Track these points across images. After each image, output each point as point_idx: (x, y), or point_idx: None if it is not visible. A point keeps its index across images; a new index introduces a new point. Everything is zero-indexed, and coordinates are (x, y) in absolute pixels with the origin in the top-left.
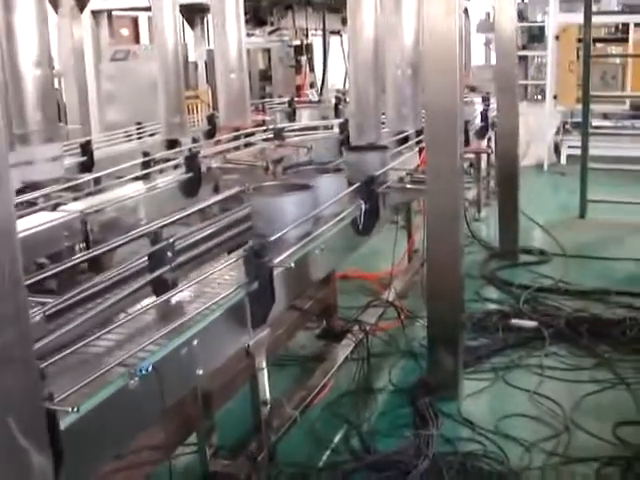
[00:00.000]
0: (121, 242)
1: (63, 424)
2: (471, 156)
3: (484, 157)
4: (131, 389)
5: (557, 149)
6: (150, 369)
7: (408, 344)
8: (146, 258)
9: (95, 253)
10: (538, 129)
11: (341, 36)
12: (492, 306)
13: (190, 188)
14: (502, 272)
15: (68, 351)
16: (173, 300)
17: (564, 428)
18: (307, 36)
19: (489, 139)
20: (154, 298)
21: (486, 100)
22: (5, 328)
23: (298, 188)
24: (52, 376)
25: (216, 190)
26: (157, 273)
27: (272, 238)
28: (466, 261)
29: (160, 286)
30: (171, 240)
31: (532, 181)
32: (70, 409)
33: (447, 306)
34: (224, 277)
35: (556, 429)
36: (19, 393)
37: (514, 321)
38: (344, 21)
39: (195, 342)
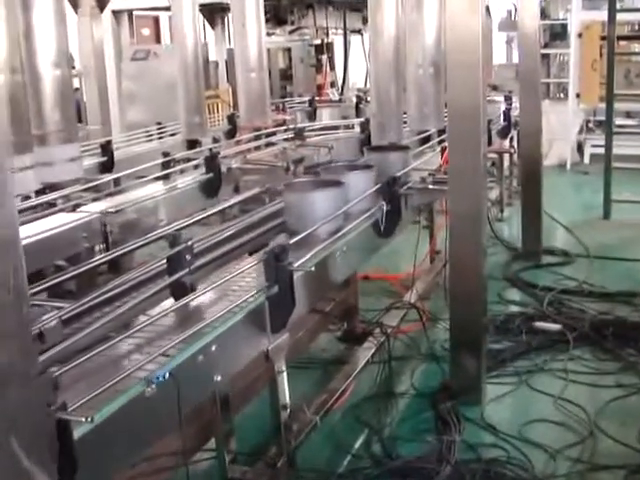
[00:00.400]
0: (140, 244)
1: (77, 433)
2: (494, 156)
3: (507, 156)
4: (147, 397)
5: (580, 148)
6: (167, 376)
7: (430, 347)
8: (165, 261)
9: (113, 256)
10: (561, 128)
11: (362, 35)
12: (515, 308)
13: (210, 189)
14: (525, 273)
15: (83, 358)
16: (191, 304)
17: (589, 434)
18: (328, 35)
19: (512, 138)
20: (172, 301)
21: (508, 99)
22: (6, 342)
23: (324, 185)
24: (67, 384)
25: (236, 191)
26: (175, 277)
27: (292, 240)
28: (489, 262)
29: (178, 290)
30: (189, 243)
31: (555, 181)
32: (84, 419)
33: (469, 308)
34: (244, 280)
35: (581, 435)
36: (21, 409)
37: (537, 324)
38: (365, 20)
39: (213, 348)
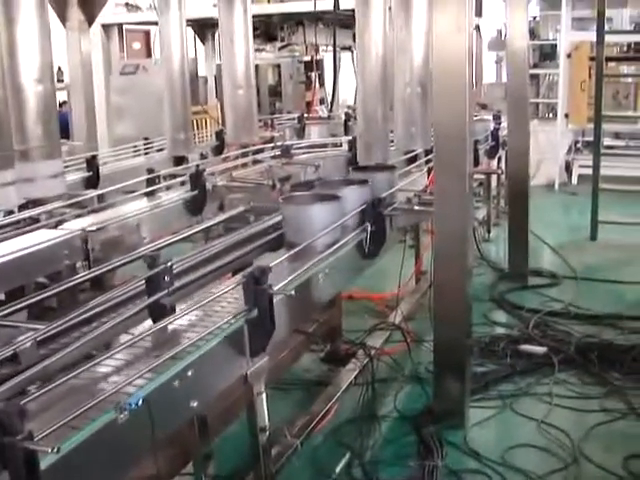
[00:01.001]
0: (121, 263)
1: (44, 464)
2: (481, 176)
3: (494, 177)
4: (120, 424)
5: (568, 168)
6: (141, 402)
7: (414, 369)
8: (144, 281)
9: (94, 274)
10: (549, 148)
11: (352, 52)
12: (500, 330)
13: (195, 206)
14: (511, 295)
15: (51, 385)
16: (169, 327)
17: (573, 460)
18: (317, 52)
19: (499, 158)
20: (150, 324)
21: (497, 118)
22: None
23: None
24: (36, 410)
25: (221, 209)
26: (153, 298)
27: (273, 263)
28: (474, 283)
29: (157, 311)
30: (169, 264)
31: (543, 201)
32: (50, 450)
33: (454, 330)
34: (224, 303)
35: (565, 461)
36: None
37: (523, 346)
38: (355, 37)
39: (190, 373)
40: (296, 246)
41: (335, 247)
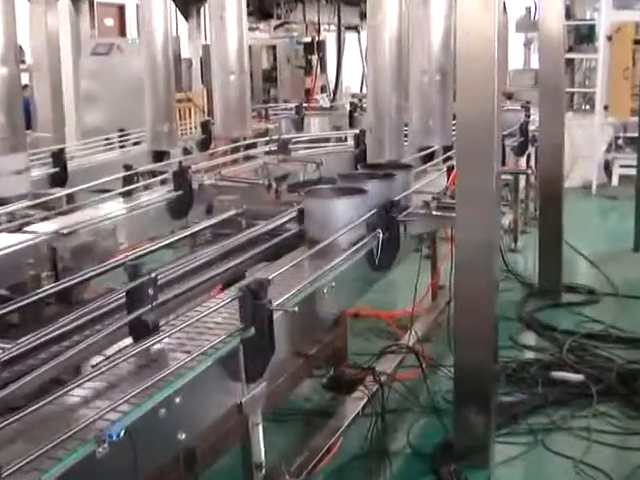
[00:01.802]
0: (95, 273)
1: None
2: (508, 177)
3: (523, 177)
4: (99, 458)
5: (608, 168)
6: (122, 434)
7: (430, 398)
8: (123, 294)
9: (63, 286)
10: (586, 145)
11: (359, 32)
12: (530, 355)
13: (179, 209)
14: (542, 314)
15: (21, 414)
16: (153, 347)
17: None
18: (319, 32)
19: (529, 156)
20: (131, 343)
21: (525, 110)
22: None
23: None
24: (3, 443)
25: (209, 212)
26: (135, 314)
27: (272, 275)
28: (500, 300)
29: (139, 329)
30: (153, 275)
31: (578, 206)
32: None
33: (477, 354)
34: (215, 320)
35: None
36: None
37: (556, 374)
38: (363, 15)
39: (178, 400)
40: (318, 243)
41: (342, 257)
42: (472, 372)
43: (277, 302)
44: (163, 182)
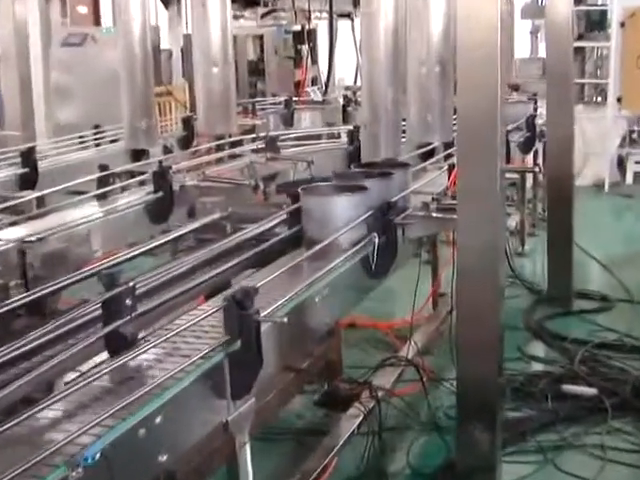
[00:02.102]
0: (67, 282)
1: None
2: (514, 175)
3: (529, 176)
4: None
5: (621, 165)
6: (98, 457)
7: (431, 415)
8: (99, 305)
9: (33, 296)
10: (597, 140)
11: (352, 20)
12: (539, 367)
13: (159, 212)
14: (552, 322)
15: None
16: (132, 362)
17: None
18: (309, 20)
19: (536, 153)
20: (108, 358)
21: (533, 103)
22: None
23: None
24: None
25: (191, 215)
26: (112, 327)
27: (260, 283)
28: (506, 307)
29: (116, 342)
30: (131, 284)
31: (590, 205)
32: None
33: (482, 366)
34: (198, 332)
35: None
36: None
37: (567, 387)
38: (356, 2)
39: (158, 420)
40: (318, 243)
41: (335, 262)
42: (476, 386)
43: (265, 312)
44: (142, 183)
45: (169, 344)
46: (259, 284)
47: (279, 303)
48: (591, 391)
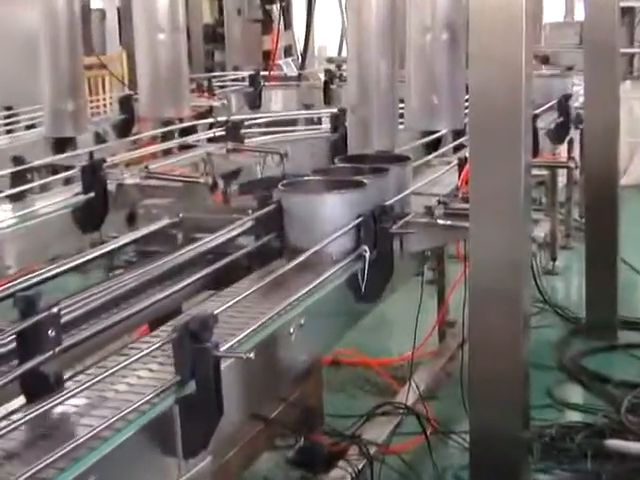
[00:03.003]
0: None
1: None
2: (542, 172)
3: (563, 172)
4: None
5: None
6: None
7: (437, 478)
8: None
9: None
10: None
11: None
12: (575, 416)
13: (90, 218)
14: (592, 360)
15: None
16: (55, 411)
17: None
18: None
19: (571, 143)
20: (24, 404)
21: (566, 78)
22: None
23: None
24: None
25: (132, 221)
26: (30, 365)
27: (219, 310)
28: (533, 340)
29: (35, 385)
30: (55, 309)
31: (638, 209)
32: None
33: (501, 416)
34: (141, 371)
35: None
36: None
37: (612, 443)
38: None
39: None
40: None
41: (315, 283)
42: (494, 441)
43: (226, 346)
44: (67, 181)
45: (102, 386)
46: (218, 310)
47: (244, 335)
48: None
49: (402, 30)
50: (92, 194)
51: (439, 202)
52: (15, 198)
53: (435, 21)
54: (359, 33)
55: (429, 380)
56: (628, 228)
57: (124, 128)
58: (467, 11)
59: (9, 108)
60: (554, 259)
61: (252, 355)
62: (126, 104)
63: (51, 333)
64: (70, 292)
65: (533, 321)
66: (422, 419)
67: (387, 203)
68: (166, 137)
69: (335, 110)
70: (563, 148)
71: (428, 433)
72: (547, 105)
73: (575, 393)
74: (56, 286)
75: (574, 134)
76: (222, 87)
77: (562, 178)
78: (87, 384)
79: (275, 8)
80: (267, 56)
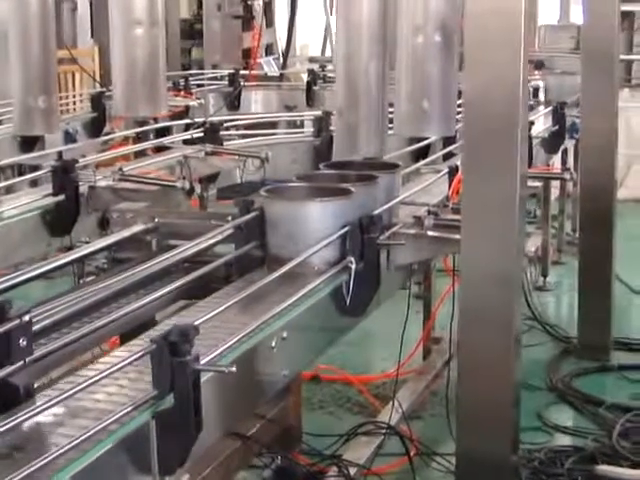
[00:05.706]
0: None
1: None
2: (536, 183)
3: (556, 184)
4: None
5: None
6: None
7: None
8: None
9: None
10: None
11: None
12: (566, 440)
13: (59, 222)
14: (584, 381)
15: None
16: (24, 425)
17: None
18: None
19: (565, 153)
20: None
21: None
22: None
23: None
24: None
25: (104, 226)
26: None
27: (200, 320)
28: (523, 360)
29: (3, 397)
30: (26, 317)
31: (635, 225)
32: None
33: (489, 438)
34: (116, 384)
35: None
36: None
37: (603, 468)
38: None
39: None
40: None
41: (298, 296)
42: (481, 464)
43: (206, 359)
44: (35, 182)
45: (74, 401)
46: (199, 321)
47: (223, 348)
48: (635, 474)
49: (392, 29)
50: (62, 197)
51: (429, 212)
52: None
53: (427, 21)
54: (347, 31)
55: (413, 399)
56: (624, 244)
57: (96, 127)
58: (461, 12)
59: None
60: (545, 274)
61: (234, 369)
62: (97, 101)
63: (22, 342)
64: (35, 300)
65: (523, 339)
66: (405, 440)
67: (375, 212)
68: (140, 138)
69: (319, 113)
70: (557, 158)
71: (412, 454)
72: (541, 113)
73: (565, 415)
74: (22, 294)
75: (569, 144)
76: (199, 86)
77: (554, 190)
78: (57, 398)
79: (257, 4)
80: (247, 54)
